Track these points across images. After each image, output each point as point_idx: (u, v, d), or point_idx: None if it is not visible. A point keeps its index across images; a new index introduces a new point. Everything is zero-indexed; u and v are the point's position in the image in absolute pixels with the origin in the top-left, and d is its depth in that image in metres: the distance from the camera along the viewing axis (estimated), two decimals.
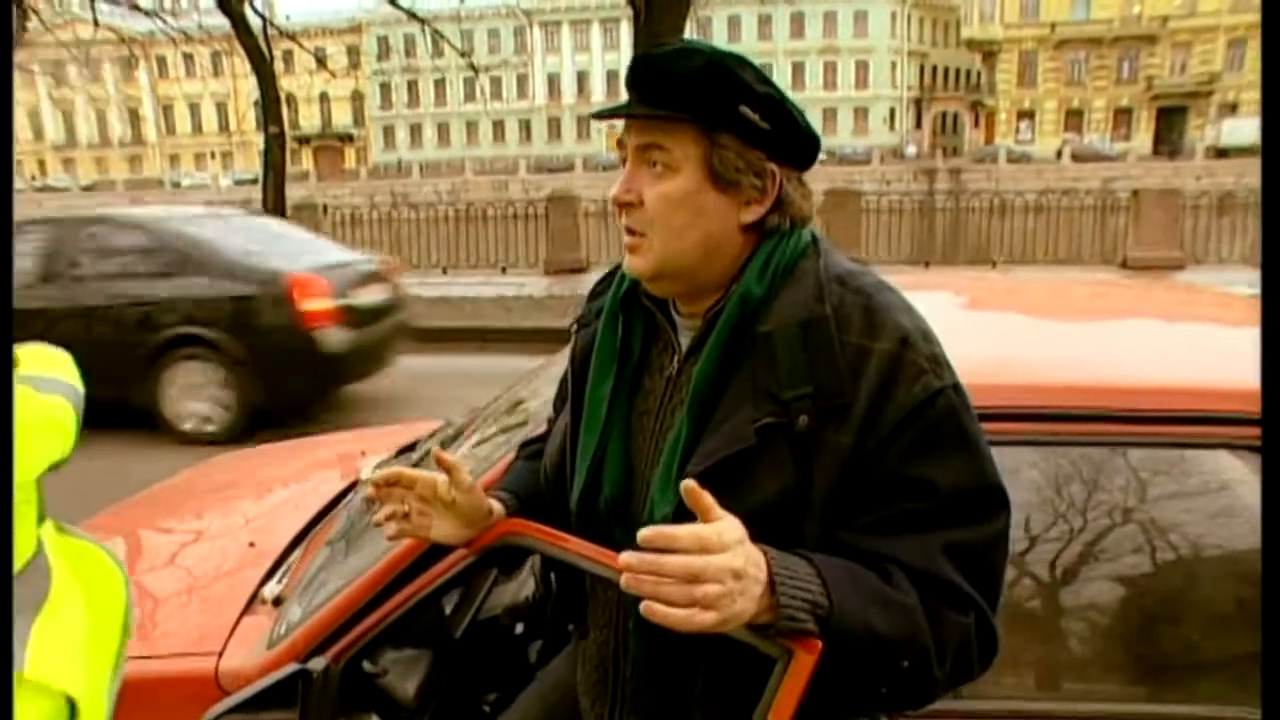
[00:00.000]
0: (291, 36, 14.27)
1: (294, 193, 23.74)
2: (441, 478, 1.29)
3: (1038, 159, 51.54)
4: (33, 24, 13.51)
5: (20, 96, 63.20)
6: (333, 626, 1.63)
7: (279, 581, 1.95)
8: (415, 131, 73.71)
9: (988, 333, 2.00)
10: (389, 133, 74.15)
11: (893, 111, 67.89)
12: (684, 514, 0.98)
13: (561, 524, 1.26)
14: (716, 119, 1.09)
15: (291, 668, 1.56)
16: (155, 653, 1.76)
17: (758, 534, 1.02)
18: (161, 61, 66.40)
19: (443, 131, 73.43)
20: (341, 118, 73.46)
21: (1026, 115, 63.41)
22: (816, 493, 1.06)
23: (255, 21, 12.52)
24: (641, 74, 1.12)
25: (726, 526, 0.94)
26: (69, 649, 0.95)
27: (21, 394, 0.95)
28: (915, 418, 1.05)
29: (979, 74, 67.54)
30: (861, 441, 1.05)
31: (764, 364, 1.09)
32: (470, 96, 64.07)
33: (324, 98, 69.87)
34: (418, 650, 1.96)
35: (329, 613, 1.65)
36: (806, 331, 1.08)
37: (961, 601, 1.05)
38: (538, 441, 1.51)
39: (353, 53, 65.01)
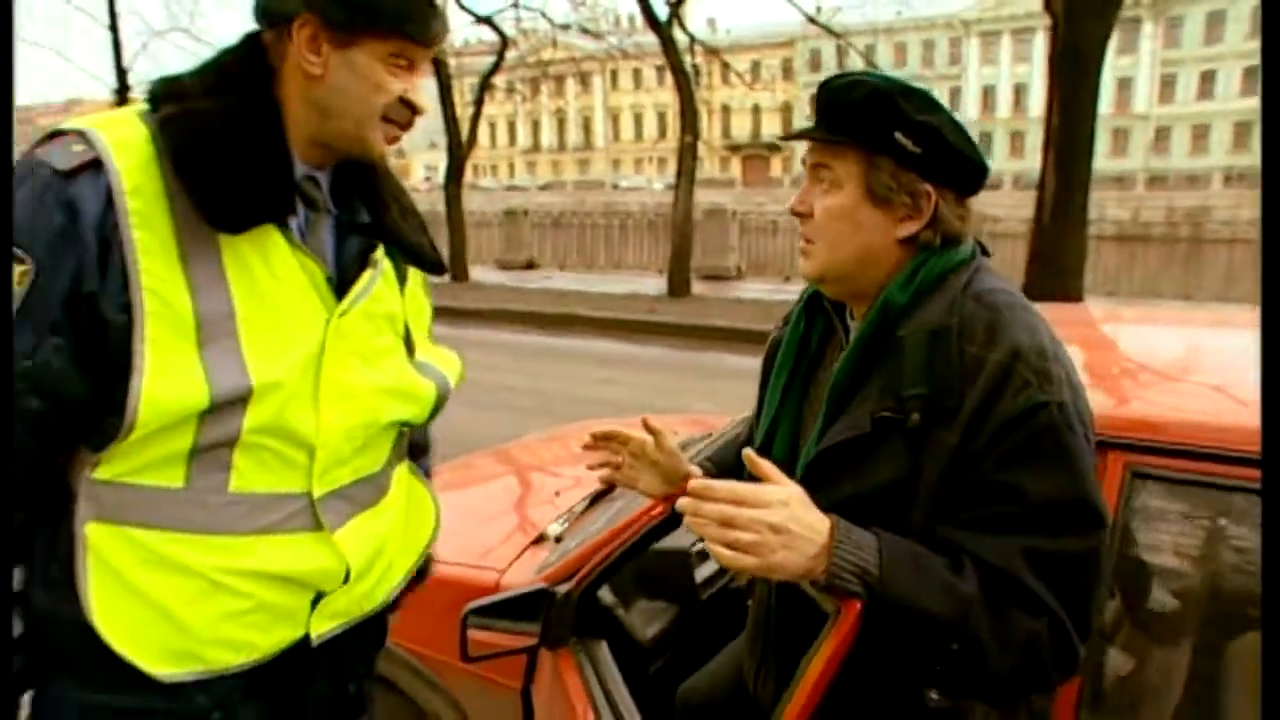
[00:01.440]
0: (715, 52, 15.28)
1: (716, 197, 25.04)
2: (650, 439, 1.55)
3: None
4: (512, 53, 15.82)
5: (500, 110, 73.50)
6: (582, 561, 1.94)
7: (563, 523, 2.31)
8: None
9: None
10: None
11: None
12: (807, 484, 1.15)
13: None
14: (875, 143, 1.22)
15: (537, 585, 1.89)
16: (465, 560, 2.20)
17: (872, 515, 1.15)
18: (614, 75, 73.63)
19: None
20: (771, 128, 76.16)
21: None
22: (923, 485, 1.16)
23: (682, 40, 13.57)
24: (820, 102, 1.28)
25: (773, 489, 1.09)
26: (365, 542, 1.38)
27: (408, 367, 1.40)
28: (1015, 426, 1.11)
29: None
30: (966, 443, 1.13)
31: (896, 365, 1.20)
32: None
33: (756, 108, 73.01)
34: (669, 603, 2.22)
35: (582, 550, 1.96)
36: (933, 339, 1.17)
37: (1034, 605, 1.09)
38: None
39: (786, 65, 67.19)
